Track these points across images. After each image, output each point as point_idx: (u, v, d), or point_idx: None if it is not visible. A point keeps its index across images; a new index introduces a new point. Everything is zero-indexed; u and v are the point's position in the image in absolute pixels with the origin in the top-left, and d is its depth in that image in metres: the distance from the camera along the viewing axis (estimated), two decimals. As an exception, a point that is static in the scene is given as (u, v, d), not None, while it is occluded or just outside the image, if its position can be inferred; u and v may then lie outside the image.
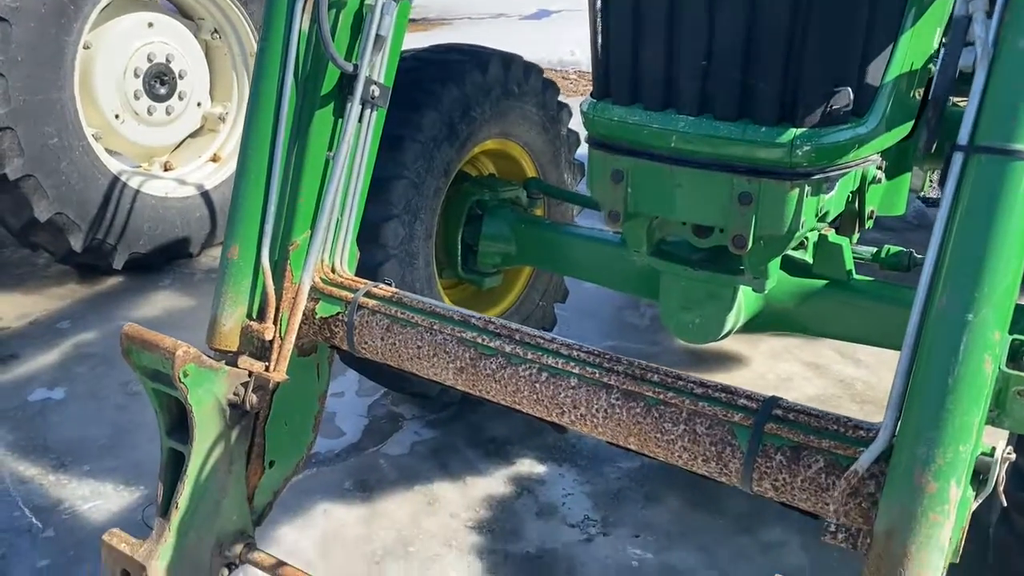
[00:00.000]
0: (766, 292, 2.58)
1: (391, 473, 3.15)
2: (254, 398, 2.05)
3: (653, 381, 1.76)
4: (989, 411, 1.40)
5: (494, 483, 3.09)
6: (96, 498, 2.98)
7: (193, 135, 5.29)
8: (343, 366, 3.51)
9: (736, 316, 2.61)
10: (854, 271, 2.70)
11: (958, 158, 1.33)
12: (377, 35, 2.13)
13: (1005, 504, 1.47)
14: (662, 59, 2.06)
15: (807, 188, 2.04)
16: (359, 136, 2.22)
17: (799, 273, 2.73)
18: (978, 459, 1.34)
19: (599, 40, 2.21)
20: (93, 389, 3.70)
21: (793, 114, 1.94)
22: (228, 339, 2.08)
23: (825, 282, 2.69)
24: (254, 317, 2.10)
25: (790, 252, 2.73)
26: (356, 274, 2.33)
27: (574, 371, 1.83)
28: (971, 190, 1.30)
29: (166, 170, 5.19)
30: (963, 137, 1.32)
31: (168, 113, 4.99)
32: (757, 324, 2.77)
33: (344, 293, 2.16)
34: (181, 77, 5.00)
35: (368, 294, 2.14)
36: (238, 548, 2.17)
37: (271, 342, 2.09)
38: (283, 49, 2.03)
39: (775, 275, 2.43)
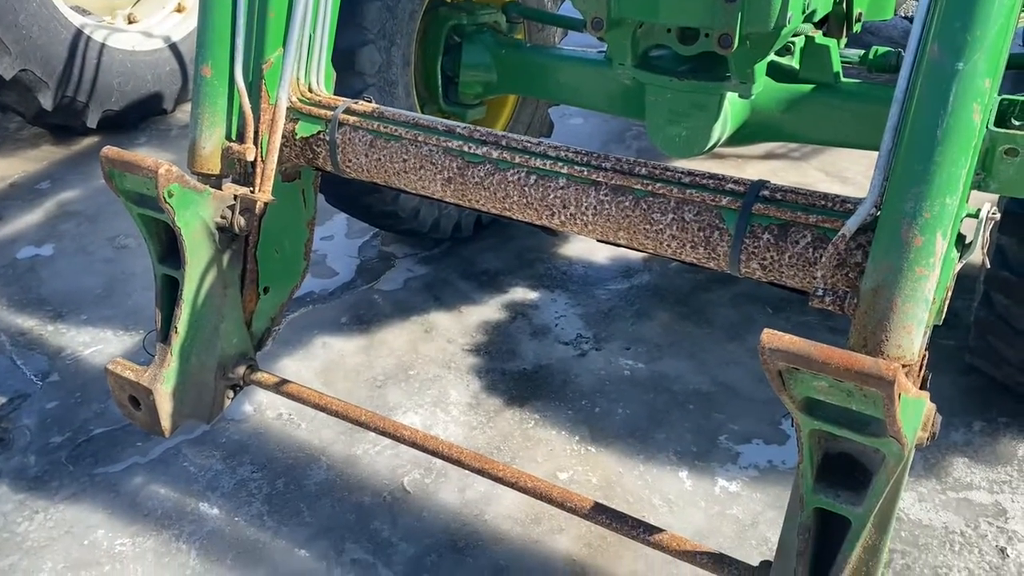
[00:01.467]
0: (752, 99, 2.55)
1: (386, 307, 3.19)
2: (242, 220, 2.04)
3: (641, 174, 1.76)
4: (975, 174, 1.40)
5: (488, 311, 3.14)
6: (97, 343, 3.02)
7: (154, -16, 5.06)
8: (330, 210, 3.49)
9: (723, 127, 2.58)
10: (841, 74, 2.66)
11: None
12: None
13: (988, 265, 1.50)
14: None
15: (794, -19, 1.98)
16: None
17: (786, 79, 2.68)
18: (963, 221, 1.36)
19: None
20: (81, 245, 3.69)
21: None
22: (209, 162, 2.05)
23: (812, 86, 2.64)
24: (233, 139, 2.06)
25: (776, 58, 2.67)
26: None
27: (562, 171, 1.82)
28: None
29: (130, 23, 4.98)
30: None
31: (125, -40, 4.75)
32: (744, 135, 2.74)
33: (323, 111, 2.11)
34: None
35: (348, 110, 2.10)
36: (241, 370, 2.22)
37: (253, 163, 2.07)
38: None
39: (761, 80, 2.39)
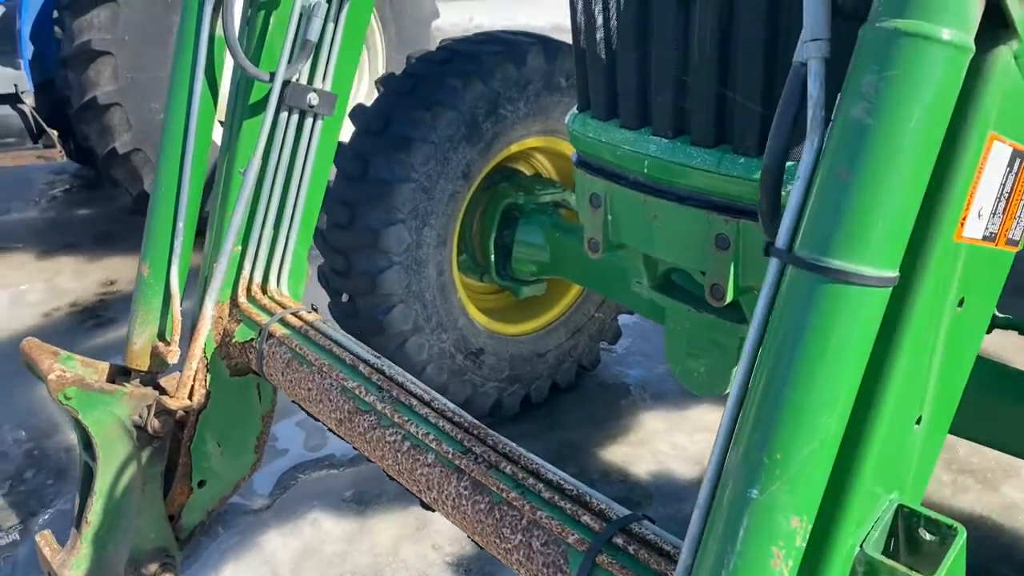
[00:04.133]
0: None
1: (392, 489, 3.00)
2: (156, 423, 1.97)
3: (505, 473, 1.47)
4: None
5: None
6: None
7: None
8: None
9: (747, 368, 2.21)
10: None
11: (774, 264, 0.94)
12: (304, 39, 1.94)
13: None
14: (635, 65, 1.72)
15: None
16: (297, 146, 2.05)
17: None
18: None
19: (578, 42, 1.89)
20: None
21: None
22: (139, 358, 2.01)
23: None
24: (166, 338, 2.02)
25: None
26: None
27: (432, 446, 1.58)
28: (783, 310, 0.91)
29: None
30: (782, 237, 0.93)
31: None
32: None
33: (261, 317, 2.02)
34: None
35: (282, 321, 1.99)
36: (153, 567, 2.13)
37: (180, 364, 2.00)
38: (194, 52, 1.89)
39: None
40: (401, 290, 2.75)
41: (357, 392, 1.73)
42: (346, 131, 2.42)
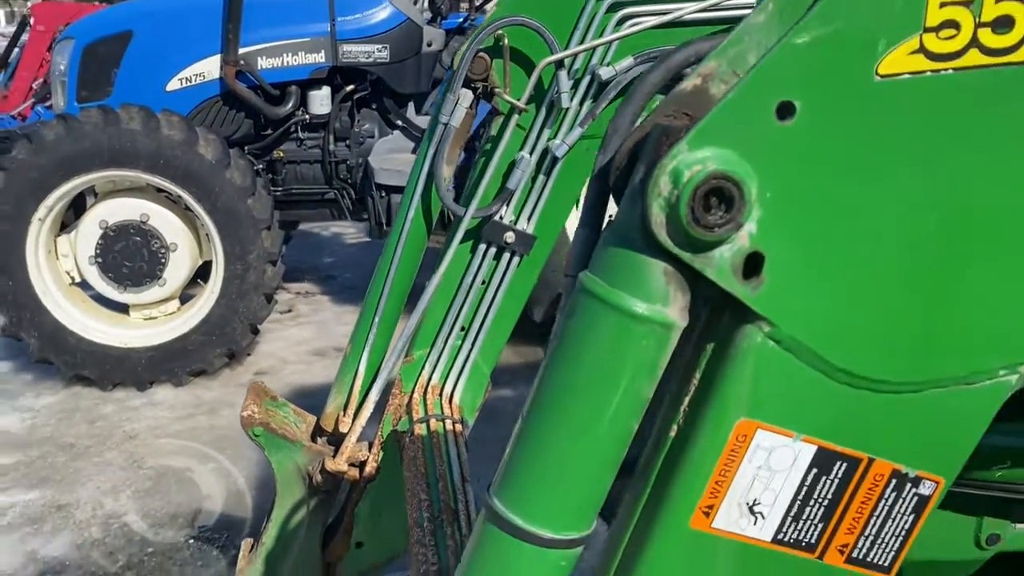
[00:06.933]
0: None
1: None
2: (319, 477, 2.33)
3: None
4: None
5: None
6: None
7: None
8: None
9: None
10: None
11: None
12: (504, 186, 2.17)
13: None
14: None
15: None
16: (492, 277, 2.28)
17: None
18: None
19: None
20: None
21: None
22: (327, 421, 2.40)
23: None
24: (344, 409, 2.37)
25: None
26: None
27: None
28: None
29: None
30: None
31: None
32: None
33: (419, 413, 2.26)
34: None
35: (427, 422, 2.21)
36: (303, 601, 2.47)
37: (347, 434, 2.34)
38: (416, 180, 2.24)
39: None
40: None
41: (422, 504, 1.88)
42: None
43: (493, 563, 0.85)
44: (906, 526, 0.87)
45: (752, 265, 0.75)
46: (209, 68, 5.78)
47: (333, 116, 6.05)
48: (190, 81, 5.80)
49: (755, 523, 0.84)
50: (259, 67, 5.80)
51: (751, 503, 0.83)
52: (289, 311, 6.62)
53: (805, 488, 0.84)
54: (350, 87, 6.08)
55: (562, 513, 0.81)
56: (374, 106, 6.27)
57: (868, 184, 0.75)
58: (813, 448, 0.82)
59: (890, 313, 0.79)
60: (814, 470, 0.83)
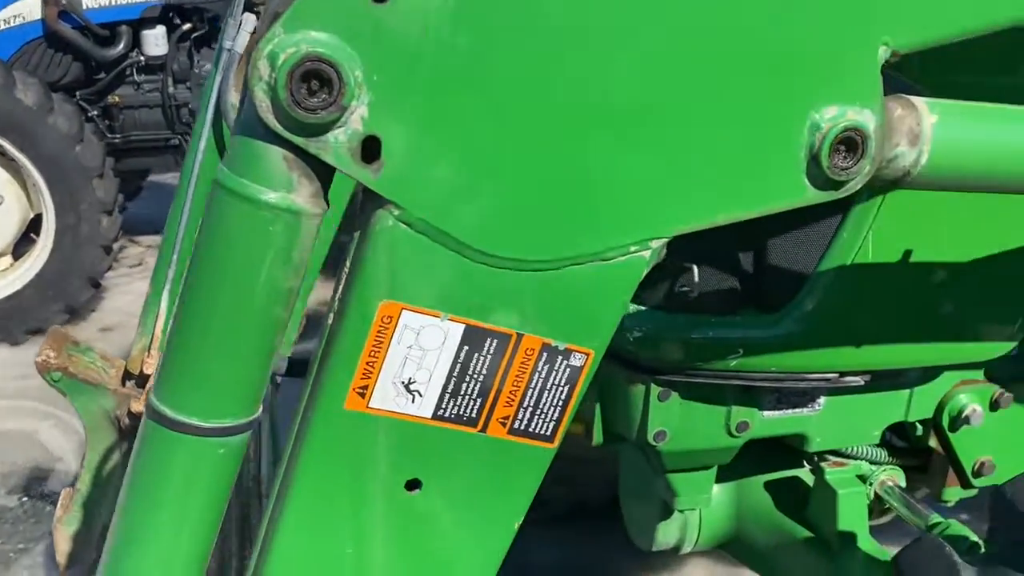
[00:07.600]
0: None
1: None
2: (127, 420, 2.28)
3: None
4: None
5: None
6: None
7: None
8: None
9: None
10: (863, 533, 1.77)
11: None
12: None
13: None
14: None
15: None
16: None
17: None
18: None
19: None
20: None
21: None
22: (133, 364, 2.35)
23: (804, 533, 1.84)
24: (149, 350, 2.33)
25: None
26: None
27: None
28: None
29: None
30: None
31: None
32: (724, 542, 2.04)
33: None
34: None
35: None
36: (121, 544, 2.44)
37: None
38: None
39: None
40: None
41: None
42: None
43: (153, 457, 0.86)
44: (563, 396, 0.92)
45: (371, 149, 0.78)
46: (29, 8, 5.41)
47: (170, 57, 5.77)
48: (8, 23, 5.41)
49: (412, 401, 0.88)
50: (84, 6, 5.46)
51: (406, 381, 0.87)
52: (139, 264, 6.37)
53: (459, 365, 0.88)
54: (187, 26, 5.81)
55: (213, 402, 0.83)
56: (214, 45, 6.01)
57: (478, 61, 0.78)
58: (461, 327, 0.86)
59: (517, 192, 0.82)
60: (465, 347, 0.87)
